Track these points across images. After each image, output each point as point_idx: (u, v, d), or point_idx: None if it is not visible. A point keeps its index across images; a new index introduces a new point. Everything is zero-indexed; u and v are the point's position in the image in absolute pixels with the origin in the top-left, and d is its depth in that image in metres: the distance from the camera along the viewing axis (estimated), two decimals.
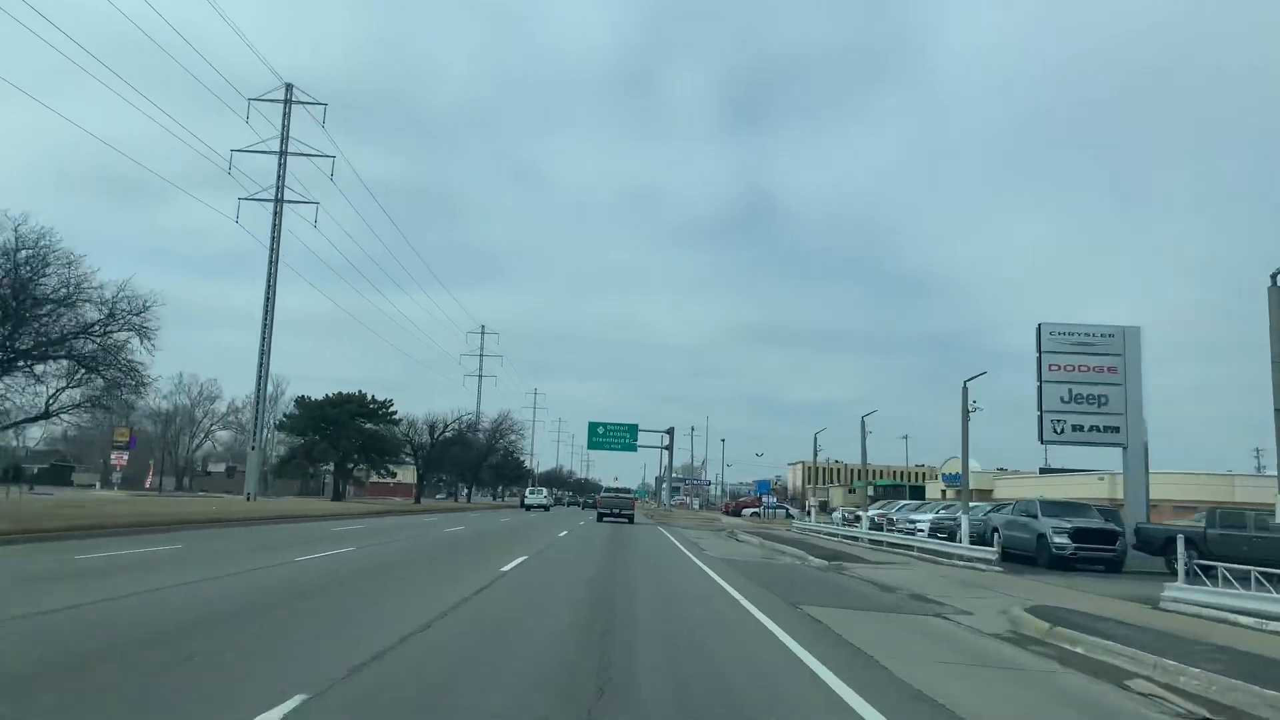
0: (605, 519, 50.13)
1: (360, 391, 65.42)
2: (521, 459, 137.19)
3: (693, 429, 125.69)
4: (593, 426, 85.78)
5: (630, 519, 50.75)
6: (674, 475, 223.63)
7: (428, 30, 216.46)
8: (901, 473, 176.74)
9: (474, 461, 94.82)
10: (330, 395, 64.12)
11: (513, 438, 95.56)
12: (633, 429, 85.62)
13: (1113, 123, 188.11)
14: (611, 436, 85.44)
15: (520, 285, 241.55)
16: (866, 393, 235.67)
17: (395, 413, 67.76)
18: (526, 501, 79.81)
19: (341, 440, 61.57)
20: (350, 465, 66.38)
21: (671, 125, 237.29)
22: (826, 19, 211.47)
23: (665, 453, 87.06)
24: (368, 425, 64.65)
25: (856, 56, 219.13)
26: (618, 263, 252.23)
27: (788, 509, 66.36)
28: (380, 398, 66.42)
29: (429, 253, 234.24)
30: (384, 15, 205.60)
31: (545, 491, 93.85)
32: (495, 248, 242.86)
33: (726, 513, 78.22)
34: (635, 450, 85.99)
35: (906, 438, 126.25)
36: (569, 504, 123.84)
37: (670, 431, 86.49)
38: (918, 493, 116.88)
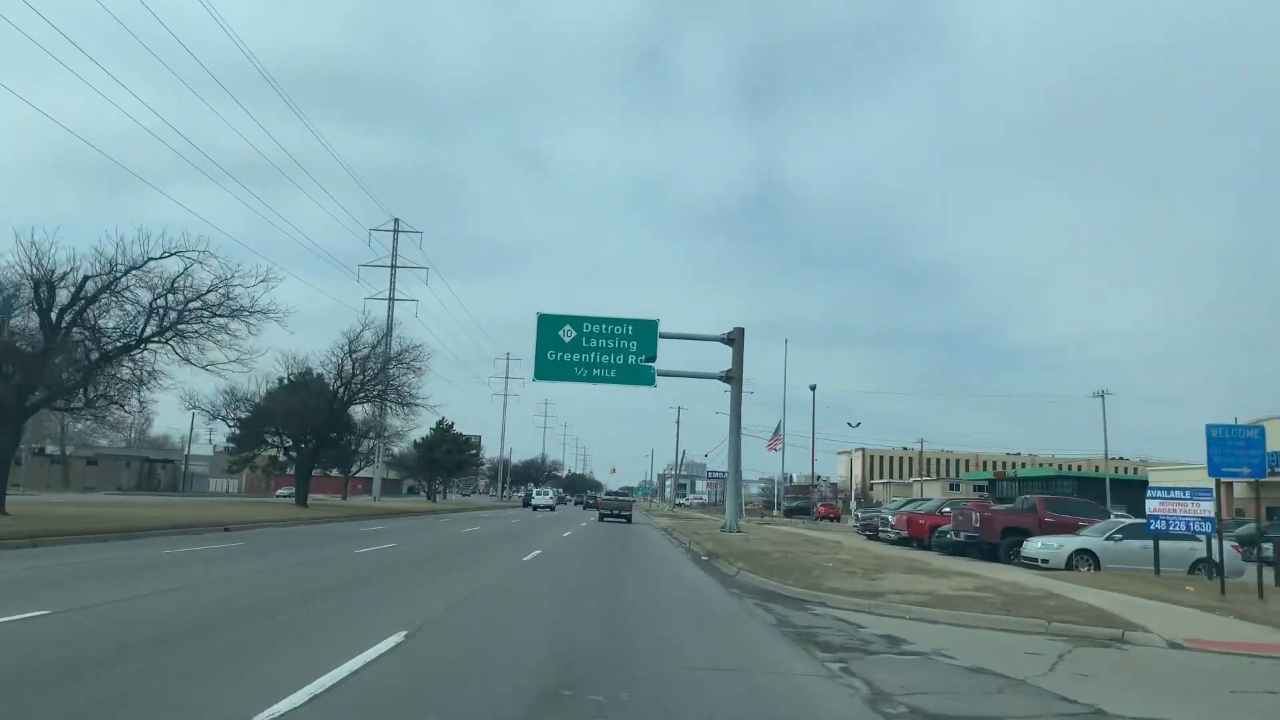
0: (606, 519, 51.20)
1: None
2: (460, 436, 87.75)
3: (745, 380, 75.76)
4: (548, 326, 35.94)
5: (628, 519, 52.57)
6: (679, 470, 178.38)
7: (429, 10, 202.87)
8: (1056, 462, 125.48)
9: (320, 418, 45.02)
10: None
11: (401, 373, 46.20)
12: (647, 333, 35.83)
13: (1139, 109, 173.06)
14: (594, 351, 35.64)
15: (522, 277, 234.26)
16: (874, 386, 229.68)
17: None
18: (533, 501, 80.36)
19: None
20: None
21: (681, 113, 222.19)
22: None
23: (727, 391, 36.93)
24: None
25: (876, 36, 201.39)
26: (622, 254, 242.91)
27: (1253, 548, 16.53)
28: None
29: (432, 244, 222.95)
30: None
31: (551, 492, 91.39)
32: (498, 238, 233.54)
33: (918, 536, 27.64)
34: (652, 383, 35.95)
35: (1104, 394, 75.33)
36: (576, 504, 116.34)
37: (736, 340, 36.19)
38: (1127, 488, 66.26)
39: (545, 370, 35.61)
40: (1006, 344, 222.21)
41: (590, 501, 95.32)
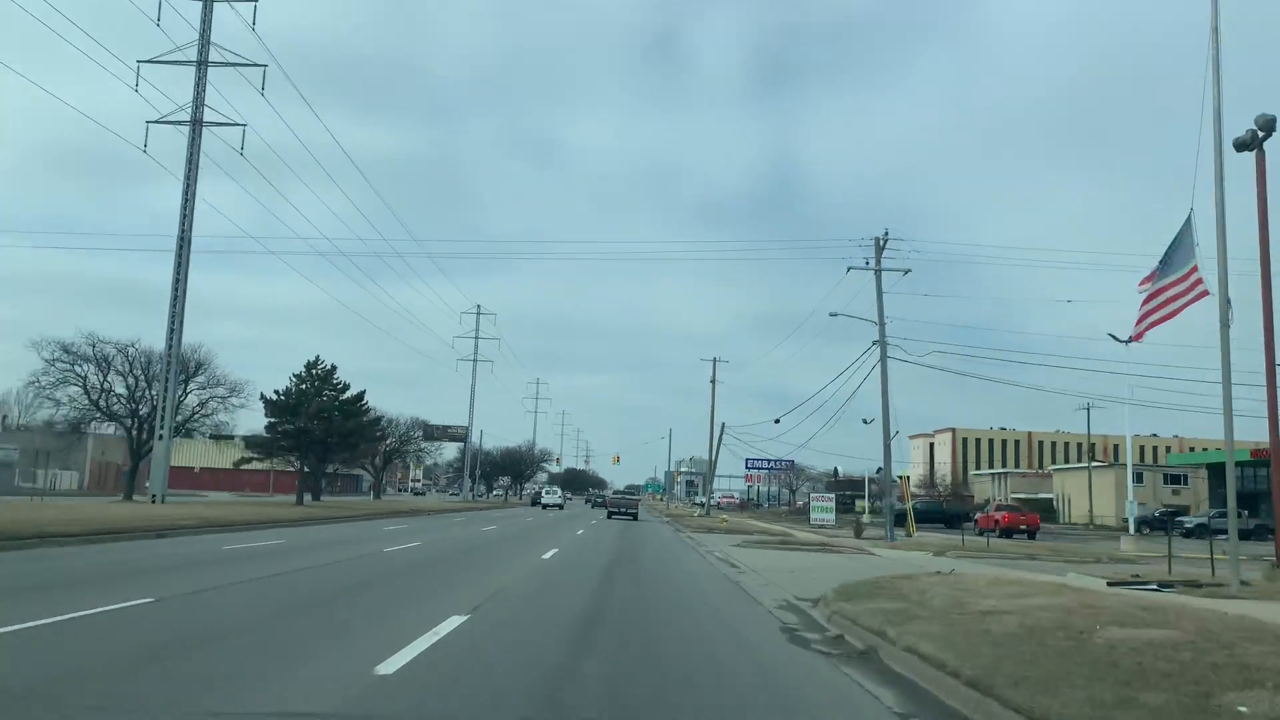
0: (615, 516, 56.42)
1: None
2: None
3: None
4: None
5: (635, 516, 56.98)
6: (680, 468, 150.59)
7: None
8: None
9: None
10: None
11: None
12: None
13: (1166, 93, 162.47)
14: None
15: (526, 274, 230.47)
16: (877, 383, 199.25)
17: None
18: (542, 501, 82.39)
19: None
20: None
21: (694, 99, 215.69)
22: None
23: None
24: None
25: (894, 18, 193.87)
26: (629, 249, 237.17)
27: None
28: None
29: (434, 237, 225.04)
30: None
31: (560, 491, 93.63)
32: (503, 233, 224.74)
33: None
34: None
35: None
36: (586, 502, 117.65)
37: None
38: None
39: None
40: (1022, 338, 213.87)
41: (599, 500, 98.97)
